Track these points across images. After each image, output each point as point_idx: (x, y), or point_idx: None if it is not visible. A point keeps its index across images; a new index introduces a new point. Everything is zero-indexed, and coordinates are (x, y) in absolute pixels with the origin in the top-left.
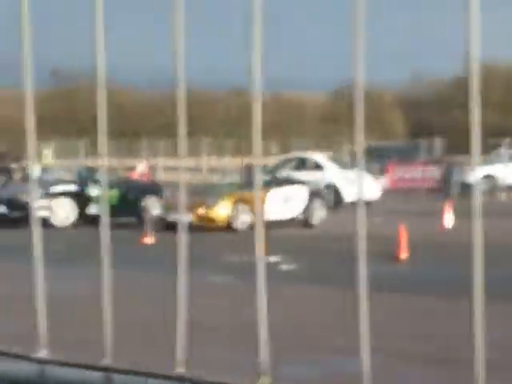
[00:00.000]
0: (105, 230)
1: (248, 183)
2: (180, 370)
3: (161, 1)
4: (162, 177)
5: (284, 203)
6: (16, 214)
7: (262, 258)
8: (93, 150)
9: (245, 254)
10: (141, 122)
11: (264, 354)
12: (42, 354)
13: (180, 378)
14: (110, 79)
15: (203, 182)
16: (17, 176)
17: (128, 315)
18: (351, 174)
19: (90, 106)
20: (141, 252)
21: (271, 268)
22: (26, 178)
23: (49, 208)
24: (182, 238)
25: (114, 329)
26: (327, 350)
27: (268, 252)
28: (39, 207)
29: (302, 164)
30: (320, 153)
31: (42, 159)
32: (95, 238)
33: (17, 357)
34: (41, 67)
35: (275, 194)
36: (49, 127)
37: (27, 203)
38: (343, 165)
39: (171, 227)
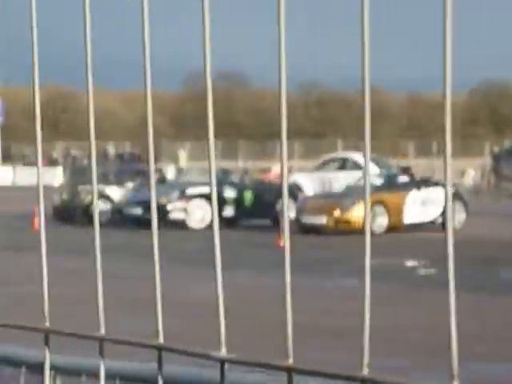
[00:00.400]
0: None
1: (385, 185)
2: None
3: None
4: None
5: (423, 206)
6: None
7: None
8: (227, 152)
9: (380, 258)
10: (276, 123)
11: (454, 356)
12: (222, 352)
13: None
14: (247, 80)
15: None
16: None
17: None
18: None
19: (223, 108)
20: (276, 255)
21: (409, 273)
22: (161, 180)
23: (185, 210)
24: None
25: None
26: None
27: (406, 256)
28: (175, 209)
29: (343, 164)
30: (359, 152)
31: (177, 161)
32: (230, 240)
33: (197, 356)
34: (175, 69)
35: (414, 197)
36: (184, 129)
37: (163, 205)
38: (388, 166)
39: (307, 229)
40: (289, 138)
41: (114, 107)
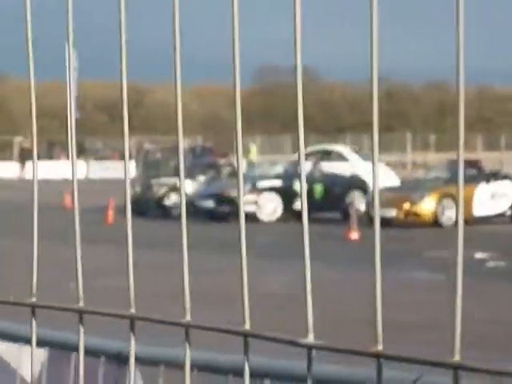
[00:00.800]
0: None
1: (453, 178)
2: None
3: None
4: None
5: (492, 199)
6: (223, 208)
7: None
8: (297, 146)
9: (449, 250)
10: (345, 116)
11: None
12: (310, 339)
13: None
14: (317, 74)
15: (408, 177)
16: (224, 171)
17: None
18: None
19: (293, 101)
20: (347, 248)
21: (478, 265)
22: (233, 174)
23: (255, 203)
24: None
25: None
26: None
27: (475, 249)
28: (246, 202)
29: (326, 156)
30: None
31: (248, 155)
32: (301, 232)
33: (284, 342)
34: (246, 64)
35: (483, 190)
36: (254, 123)
37: (235, 198)
38: (367, 157)
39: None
40: (357, 131)
41: (186, 101)
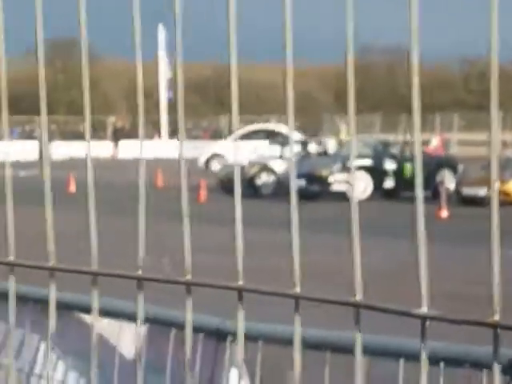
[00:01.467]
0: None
1: None
2: None
3: None
4: (456, 151)
5: None
6: (314, 187)
7: None
8: (387, 125)
9: None
10: (435, 96)
11: None
12: (423, 309)
13: None
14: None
15: (499, 156)
16: (315, 150)
17: None
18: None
19: (384, 81)
20: (437, 226)
21: None
22: (323, 153)
23: (346, 182)
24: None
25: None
26: None
27: None
28: (337, 181)
29: (269, 135)
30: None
31: (338, 134)
32: (391, 211)
33: (398, 313)
34: (338, 42)
35: None
36: (345, 102)
37: (325, 177)
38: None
39: (467, 201)
40: (448, 110)
41: (276, 81)
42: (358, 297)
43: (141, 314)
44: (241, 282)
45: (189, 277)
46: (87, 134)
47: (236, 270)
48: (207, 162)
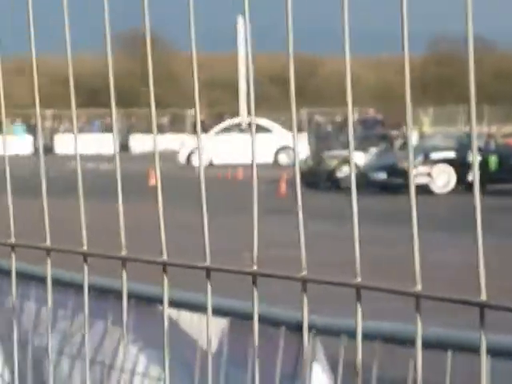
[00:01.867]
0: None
1: None
2: None
3: None
4: None
5: None
6: (396, 180)
7: None
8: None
9: None
10: None
11: None
12: (483, 297)
13: None
14: (493, 44)
15: None
16: (397, 143)
17: None
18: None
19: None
20: None
21: None
22: (405, 145)
23: (428, 174)
24: None
25: None
26: None
27: None
28: (418, 174)
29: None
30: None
31: (420, 126)
32: (472, 205)
33: (460, 302)
34: (421, 32)
35: None
36: (428, 93)
37: (406, 170)
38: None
39: None
40: None
41: (359, 72)
42: (418, 287)
43: (209, 304)
44: (305, 273)
45: (255, 267)
46: (154, 129)
47: (300, 260)
48: (188, 157)
